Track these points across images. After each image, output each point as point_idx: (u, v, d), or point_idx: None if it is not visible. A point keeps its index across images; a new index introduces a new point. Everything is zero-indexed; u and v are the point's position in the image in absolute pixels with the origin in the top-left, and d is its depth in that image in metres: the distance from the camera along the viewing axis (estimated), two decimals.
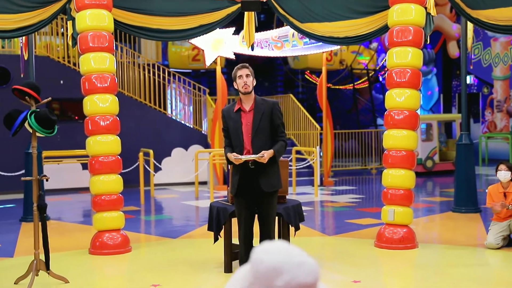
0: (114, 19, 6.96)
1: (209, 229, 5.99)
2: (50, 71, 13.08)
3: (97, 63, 6.80)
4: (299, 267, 1.42)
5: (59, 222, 9.37)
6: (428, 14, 6.82)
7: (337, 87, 20.60)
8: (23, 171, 9.64)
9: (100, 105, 6.83)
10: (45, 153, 10.29)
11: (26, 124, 5.37)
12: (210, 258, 6.45)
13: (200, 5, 7.34)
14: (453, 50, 20.45)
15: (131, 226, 8.27)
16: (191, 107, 15.31)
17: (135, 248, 7.07)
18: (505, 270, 6.26)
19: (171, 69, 15.48)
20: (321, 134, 14.21)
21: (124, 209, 7.37)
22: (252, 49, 8.16)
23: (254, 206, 5.26)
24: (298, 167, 13.09)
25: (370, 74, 20.31)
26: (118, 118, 7.00)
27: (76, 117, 13.54)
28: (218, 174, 13.03)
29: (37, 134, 5.48)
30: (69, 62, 13.66)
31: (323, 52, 13.11)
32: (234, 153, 5.13)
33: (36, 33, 9.70)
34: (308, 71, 19.85)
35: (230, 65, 18.27)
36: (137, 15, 7.18)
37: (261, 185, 5.10)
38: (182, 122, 15.02)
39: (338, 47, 14.36)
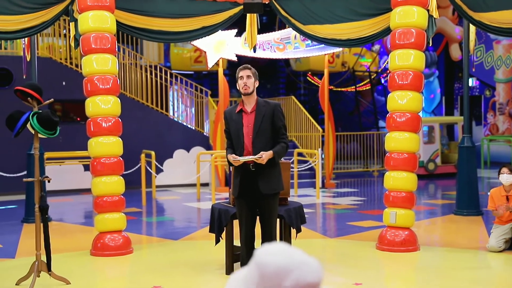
0: (117, 21, 6.96)
1: (211, 231, 5.99)
2: (53, 72, 13.09)
3: (99, 65, 6.81)
4: (305, 266, 1.44)
5: (60, 223, 9.37)
6: (430, 16, 6.82)
7: (339, 89, 20.59)
8: (25, 172, 9.65)
9: (102, 106, 6.83)
10: (47, 154, 10.30)
11: (28, 125, 5.38)
12: (211, 260, 6.45)
13: (202, 7, 7.34)
14: (455, 52, 20.44)
15: (132, 227, 8.27)
16: (193, 109, 15.31)
17: (136, 249, 7.06)
18: (507, 273, 6.25)
19: (173, 71, 15.48)
20: (323, 136, 14.20)
21: (126, 211, 7.37)
22: (254, 51, 8.17)
23: (255, 208, 5.26)
24: (299, 169, 13.09)
25: (372, 76, 20.30)
26: (120, 120, 7.00)
27: (78, 119, 13.55)
28: (219, 175, 13.02)
29: (39, 135, 5.48)
30: (71, 63, 13.67)
31: (325, 54, 13.12)
32: (233, 155, 5.13)
33: (38, 34, 9.70)
34: (310, 73, 19.85)
35: (232, 67, 18.26)
36: (139, 17, 7.19)
37: (261, 188, 5.09)
38: (184, 123, 15.02)
39: (340, 49, 14.36)
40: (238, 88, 5.26)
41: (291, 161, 10.37)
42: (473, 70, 10.32)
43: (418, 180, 7.19)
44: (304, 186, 13.38)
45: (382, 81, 21.26)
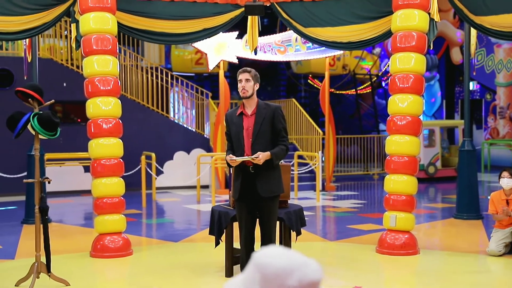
0: (118, 22, 6.97)
1: (211, 233, 5.99)
2: (54, 73, 13.10)
3: (100, 66, 6.81)
4: (306, 266, 1.45)
5: (60, 224, 9.37)
6: (431, 19, 6.82)
7: (340, 92, 20.59)
8: (25, 173, 9.65)
9: (103, 108, 6.83)
10: (47, 155, 10.30)
11: (29, 126, 5.38)
12: (211, 262, 6.45)
13: (204, 9, 7.34)
14: (456, 56, 20.44)
15: (132, 229, 8.27)
16: (194, 111, 15.31)
17: (136, 251, 7.06)
18: (506, 277, 6.24)
19: (174, 73, 15.49)
20: (323, 139, 14.20)
21: (126, 212, 7.36)
22: (255, 53, 8.17)
23: (255, 211, 5.25)
24: (300, 171, 13.09)
25: (373, 80, 20.30)
26: (120, 121, 7.00)
27: (79, 120, 13.56)
28: (220, 178, 13.02)
29: (40, 136, 5.48)
30: (72, 64, 13.68)
31: (326, 57, 13.12)
32: (230, 155, 5.13)
33: (39, 35, 9.71)
34: (311, 76, 19.85)
35: (233, 69, 18.26)
36: (140, 19, 7.19)
37: (259, 190, 5.08)
38: (185, 125, 15.02)
39: (341, 52, 14.36)
40: (239, 90, 5.26)
41: (291, 163, 10.36)
42: (474, 73, 10.35)
43: (418, 183, 7.18)
44: (304, 188, 13.37)
45: (383, 84, 21.26)
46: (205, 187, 13.40)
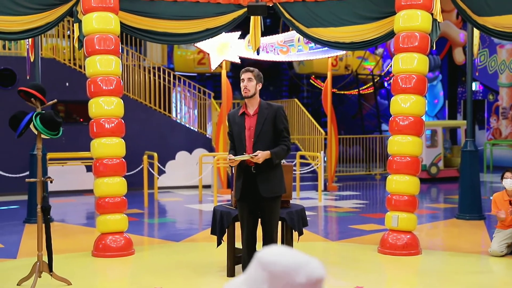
0: (121, 22, 6.97)
1: (212, 233, 5.99)
2: (56, 73, 13.11)
3: (103, 66, 6.82)
4: (311, 263, 1.46)
5: (62, 224, 9.38)
6: (434, 20, 6.81)
7: (342, 92, 20.59)
8: (27, 173, 9.66)
9: (105, 107, 6.84)
10: (49, 155, 10.31)
11: (31, 126, 5.38)
12: (213, 262, 6.45)
13: (206, 9, 7.35)
14: (459, 56, 20.42)
15: (134, 228, 8.28)
16: (196, 111, 15.32)
17: (138, 251, 7.06)
18: (508, 278, 6.23)
19: (176, 73, 15.50)
20: (325, 139, 14.20)
21: (128, 212, 7.37)
22: (258, 54, 8.17)
23: (257, 211, 5.25)
24: (302, 171, 13.08)
25: (375, 80, 20.29)
26: (123, 121, 7.01)
27: (81, 119, 13.57)
28: (222, 178, 13.02)
29: (42, 136, 5.49)
30: (75, 64, 13.69)
31: (328, 57, 13.11)
32: (230, 155, 5.13)
33: (42, 35, 9.73)
34: (313, 76, 19.85)
35: (235, 69, 18.27)
36: (143, 19, 7.20)
37: (261, 191, 5.07)
38: (187, 125, 15.03)
39: (344, 52, 14.35)
40: (241, 90, 5.26)
41: (293, 163, 10.36)
42: (477, 74, 10.35)
43: (421, 183, 7.18)
44: (306, 188, 13.37)
45: (385, 84, 21.25)
46: (207, 187, 13.40)
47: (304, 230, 6.02)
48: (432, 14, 6.79)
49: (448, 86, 21.94)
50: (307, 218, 6.14)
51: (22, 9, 6.75)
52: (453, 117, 21.45)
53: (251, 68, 5.24)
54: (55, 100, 5.79)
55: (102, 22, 6.76)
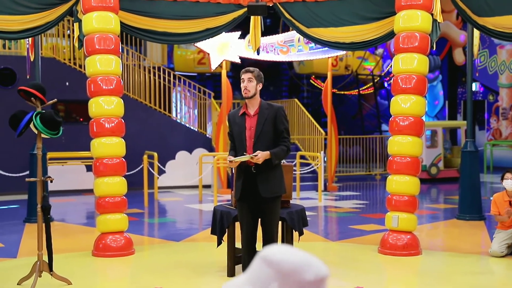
0: (121, 22, 6.97)
1: (213, 232, 5.99)
2: (56, 72, 13.11)
3: (103, 65, 6.82)
4: (316, 261, 1.48)
5: (62, 223, 9.38)
6: (434, 20, 6.81)
7: (342, 92, 20.59)
8: (27, 172, 9.66)
9: (105, 107, 6.84)
10: (49, 154, 10.31)
11: (31, 125, 5.38)
12: (213, 262, 6.44)
13: (207, 8, 7.34)
14: (459, 57, 20.42)
15: (134, 228, 8.27)
16: (196, 111, 15.32)
17: (138, 250, 7.06)
18: (509, 279, 6.23)
19: (176, 72, 15.50)
20: (325, 139, 14.19)
21: (128, 212, 7.36)
22: (258, 53, 8.17)
23: (256, 211, 5.24)
24: (302, 172, 13.08)
25: (376, 80, 20.30)
26: (123, 121, 7.01)
27: (81, 119, 13.56)
28: (222, 177, 13.02)
29: (42, 135, 5.48)
30: (75, 64, 13.69)
31: (328, 57, 13.11)
32: (230, 156, 5.12)
33: (42, 34, 9.72)
34: (313, 76, 19.85)
35: (235, 69, 18.27)
36: (143, 18, 7.19)
37: (261, 191, 5.06)
38: (187, 125, 15.03)
39: (344, 52, 14.35)
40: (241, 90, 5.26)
41: (293, 163, 10.36)
42: (477, 74, 10.35)
43: (421, 184, 7.17)
44: (306, 189, 13.37)
45: (385, 84, 21.25)
46: (207, 186, 13.40)
47: (304, 230, 6.02)
48: (432, 15, 6.79)
49: (448, 86, 21.94)
50: (307, 218, 6.13)
51: (22, 9, 6.75)
52: (453, 117, 21.45)
53: (252, 69, 5.22)
54: (55, 99, 5.78)
55: (102, 22, 6.76)
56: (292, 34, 12.26)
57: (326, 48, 10.74)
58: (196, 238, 8.08)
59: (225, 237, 5.90)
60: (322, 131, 14.43)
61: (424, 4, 6.71)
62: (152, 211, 10.84)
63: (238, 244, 5.73)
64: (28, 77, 9.46)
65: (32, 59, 9.08)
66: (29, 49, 9.15)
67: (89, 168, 12.41)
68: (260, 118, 5.13)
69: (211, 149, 14.20)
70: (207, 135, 14.92)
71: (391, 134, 7.03)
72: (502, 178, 6.88)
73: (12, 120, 5.41)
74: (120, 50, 7.14)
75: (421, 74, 6.84)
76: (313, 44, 11.63)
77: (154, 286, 5.55)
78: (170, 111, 14.85)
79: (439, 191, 13.97)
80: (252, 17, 7.59)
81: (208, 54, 12.61)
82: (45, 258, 5.50)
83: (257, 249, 5.33)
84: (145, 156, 11.74)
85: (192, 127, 15.05)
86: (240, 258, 5.66)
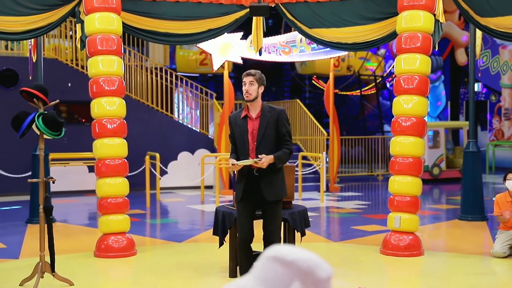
0: (123, 23, 6.98)
1: (214, 233, 5.99)
2: (58, 73, 13.13)
3: (105, 66, 6.82)
4: (322, 260, 1.50)
5: (65, 224, 9.38)
6: (436, 21, 6.80)
7: (344, 93, 20.58)
8: (29, 173, 9.66)
9: (108, 108, 6.84)
10: (52, 155, 10.32)
11: (33, 126, 5.39)
12: (215, 263, 6.44)
13: (209, 9, 7.35)
14: (461, 57, 20.40)
15: (136, 229, 8.27)
16: (198, 111, 15.32)
17: (140, 251, 7.06)
18: (511, 279, 6.22)
19: (178, 73, 15.50)
20: (327, 140, 14.19)
21: (130, 212, 7.37)
22: (260, 54, 8.16)
23: (255, 213, 5.23)
24: (304, 172, 13.07)
25: (378, 81, 20.28)
26: (125, 121, 7.01)
27: (84, 120, 13.58)
28: (224, 178, 13.02)
29: (45, 136, 5.49)
30: (77, 64, 13.70)
31: (330, 57, 13.11)
32: (233, 160, 5.09)
33: (44, 35, 9.72)
34: (316, 77, 19.85)
35: (237, 69, 18.28)
36: (145, 19, 7.20)
37: (264, 194, 5.04)
38: (189, 126, 15.04)
39: (346, 53, 14.36)
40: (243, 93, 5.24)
41: (295, 164, 10.36)
42: (479, 75, 10.34)
43: (423, 184, 7.17)
44: (309, 189, 13.36)
45: (388, 85, 21.24)
46: (209, 187, 13.40)
47: (306, 231, 6.02)
48: (434, 15, 6.78)
49: (450, 87, 21.91)
50: (309, 219, 6.13)
51: (24, 10, 6.75)
52: (455, 118, 21.43)
53: (253, 72, 5.18)
54: (58, 100, 5.78)
55: (104, 23, 6.77)
56: (294, 35, 12.27)
57: (328, 49, 10.75)
58: (198, 239, 8.08)
59: (227, 238, 5.90)
60: (324, 131, 14.42)
61: (426, 5, 6.71)
62: (154, 212, 10.85)
63: None
64: (30, 78, 9.48)
65: (34, 60, 9.09)
66: (31, 50, 9.16)
67: (91, 169, 12.42)
68: (262, 121, 5.11)
69: (213, 149, 14.20)
70: (209, 136, 14.92)
71: (393, 134, 7.03)
72: (505, 179, 6.87)
73: (15, 121, 5.42)
74: (122, 51, 7.15)
75: (423, 74, 6.84)
76: (315, 45, 11.64)
77: (156, 287, 5.54)
78: (172, 112, 14.85)
79: (441, 191, 13.95)
80: (254, 17, 7.59)
81: (210, 54, 12.61)
82: (47, 259, 5.51)
83: (253, 251, 5.31)
84: (147, 157, 11.75)
85: (194, 128, 15.05)
86: None
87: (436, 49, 7.03)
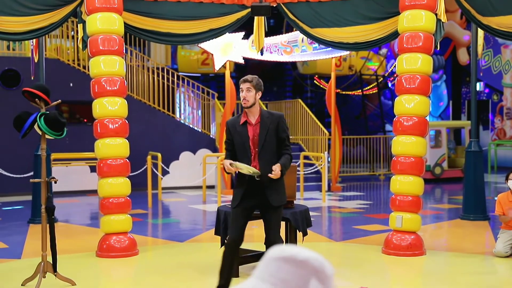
0: (125, 23, 6.98)
1: (216, 233, 5.99)
2: (60, 73, 13.14)
3: (106, 66, 6.83)
4: (324, 258, 1.52)
5: (66, 224, 9.39)
6: (438, 20, 6.80)
7: (346, 92, 20.57)
8: (31, 173, 9.68)
9: (109, 108, 6.85)
10: (53, 155, 10.33)
11: (35, 126, 5.39)
12: (216, 262, 6.42)
13: (210, 9, 7.35)
14: (463, 56, 20.38)
15: (138, 229, 8.28)
16: (200, 111, 15.33)
17: (142, 251, 7.07)
18: None
19: (180, 73, 15.51)
20: (329, 139, 14.18)
21: (132, 212, 7.37)
22: (262, 54, 8.16)
23: (251, 216, 5.20)
24: (306, 172, 13.07)
25: (379, 80, 20.27)
26: (127, 121, 7.02)
27: (85, 120, 13.59)
28: (225, 178, 13.02)
29: (46, 136, 5.50)
30: (79, 65, 13.72)
31: (332, 57, 13.10)
32: (229, 160, 4.95)
33: (46, 35, 9.74)
34: (317, 76, 19.84)
35: (239, 69, 18.28)
36: (147, 19, 7.20)
37: (270, 200, 4.99)
38: (191, 126, 15.04)
39: (348, 52, 14.34)
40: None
41: (297, 164, 10.35)
42: (481, 74, 10.33)
43: (425, 184, 7.17)
44: (310, 189, 13.36)
45: (389, 84, 21.22)
46: (211, 187, 13.40)
47: (308, 230, 6.02)
48: (436, 14, 6.78)
49: (452, 86, 21.89)
50: (311, 219, 6.13)
51: (26, 10, 6.76)
52: (457, 117, 21.41)
53: (250, 78, 5.12)
54: (59, 100, 5.79)
55: (106, 23, 6.77)
56: (296, 35, 12.26)
57: (330, 48, 10.74)
58: (200, 238, 8.09)
59: None
60: (325, 131, 14.41)
61: (428, 4, 6.70)
62: (156, 211, 10.85)
63: (243, 245, 5.72)
64: (32, 78, 9.49)
65: (36, 60, 9.11)
66: (33, 50, 9.18)
67: (93, 169, 12.43)
68: (262, 127, 5.06)
69: (215, 149, 14.20)
70: (211, 136, 14.92)
71: (395, 134, 7.03)
72: (507, 178, 6.87)
73: (17, 121, 5.43)
74: (124, 51, 7.15)
75: (425, 74, 6.83)
76: (316, 45, 11.63)
77: (158, 287, 5.54)
78: (173, 112, 14.86)
79: (443, 191, 13.95)
80: (255, 17, 7.59)
81: (212, 54, 12.61)
82: (49, 259, 5.51)
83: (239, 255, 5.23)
84: (149, 157, 11.75)
85: (195, 128, 15.06)
86: (244, 259, 5.66)
87: (438, 49, 7.02)
